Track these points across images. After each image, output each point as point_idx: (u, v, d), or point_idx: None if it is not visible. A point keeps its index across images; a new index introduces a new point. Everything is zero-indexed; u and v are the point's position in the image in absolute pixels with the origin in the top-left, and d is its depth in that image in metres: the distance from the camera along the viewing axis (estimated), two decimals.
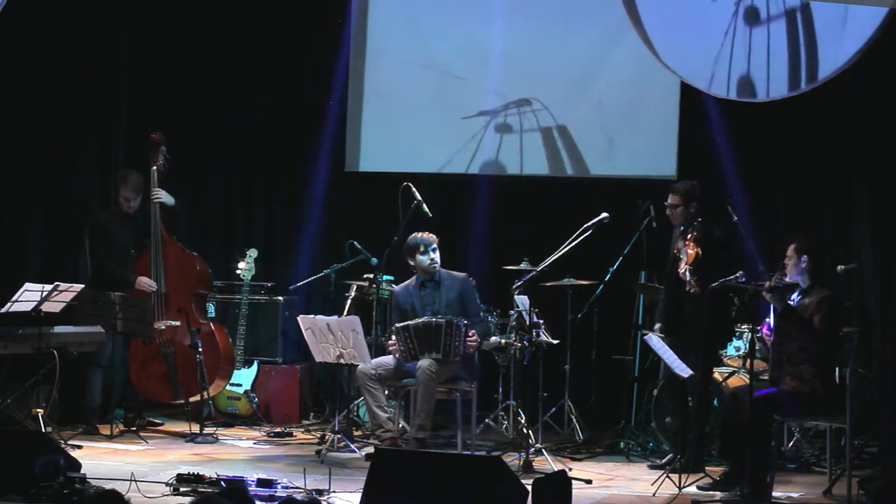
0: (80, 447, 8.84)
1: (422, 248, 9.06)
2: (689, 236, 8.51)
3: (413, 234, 9.16)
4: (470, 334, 8.81)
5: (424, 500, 6.32)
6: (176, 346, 9.81)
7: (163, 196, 9.92)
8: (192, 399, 9.78)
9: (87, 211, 10.51)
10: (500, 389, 9.86)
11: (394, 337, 8.91)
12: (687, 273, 8.46)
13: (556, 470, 7.97)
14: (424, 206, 9.40)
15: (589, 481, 8.17)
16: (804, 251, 7.88)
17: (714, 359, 8.92)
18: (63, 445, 8.15)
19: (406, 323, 8.89)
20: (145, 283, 9.79)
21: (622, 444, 9.51)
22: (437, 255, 9.06)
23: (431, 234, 9.11)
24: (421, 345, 8.79)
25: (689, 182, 8.77)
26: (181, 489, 7.29)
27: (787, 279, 7.89)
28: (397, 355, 8.86)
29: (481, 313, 9.27)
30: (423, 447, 8.52)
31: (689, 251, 8.46)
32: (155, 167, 9.95)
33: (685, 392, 8.64)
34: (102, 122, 10.78)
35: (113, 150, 10.86)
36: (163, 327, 9.77)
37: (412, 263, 9.12)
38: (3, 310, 8.96)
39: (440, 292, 9.05)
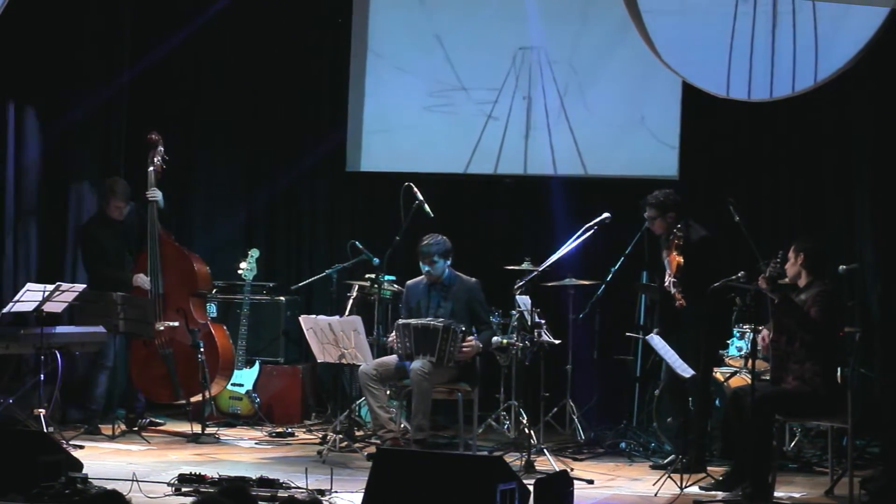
0: (81, 447, 8.84)
1: (420, 258, 9.07)
2: (671, 245, 8.55)
3: (424, 239, 9.08)
4: (467, 340, 8.81)
5: (426, 500, 6.32)
6: (175, 346, 9.81)
7: (158, 196, 9.90)
8: (193, 399, 9.78)
9: (82, 209, 10.51)
10: (502, 389, 9.87)
11: (394, 332, 8.93)
12: (671, 286, 8.49)
13: (557, 470, 7.96)
14: (426, 206, 9.39)
15: (591, 481, 8.17)
16: (801, 249, 7.93)
17: (713, 359, 8.94)
18: (65, 445, 8.16)
19: (407, 321, 8.90)
20: (140, 280, 9.79)
21: (624, 444, 9.50)
22: (434, 268, 8.99)
23: (436, 245, 8.98)
24: (417, 345, 8.78)
25: (662, 192, 8.81)
26: (183, 489, 7.29)
27: (787, 279, 7.93)
28: (399, 351, 8.88)
29: (490, 318, 9.29)
30: (424, 447, 8.53)
31: (672, 261, 8.51)
32: (152, 167, 9.94)
33: (686, 392, 8.64)
34: (102, 122, 10.77)
35: (113, 150, 10.85)
36: (161, 328, 9.77)
37: None
38: (5, 310, 8.98)
39: (448, 300, 9.03)
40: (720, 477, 8.03)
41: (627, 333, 9.89)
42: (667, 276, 8.55)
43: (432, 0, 11.14)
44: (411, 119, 11.13)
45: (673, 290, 8.49)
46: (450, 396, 8.96)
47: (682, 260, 8.48)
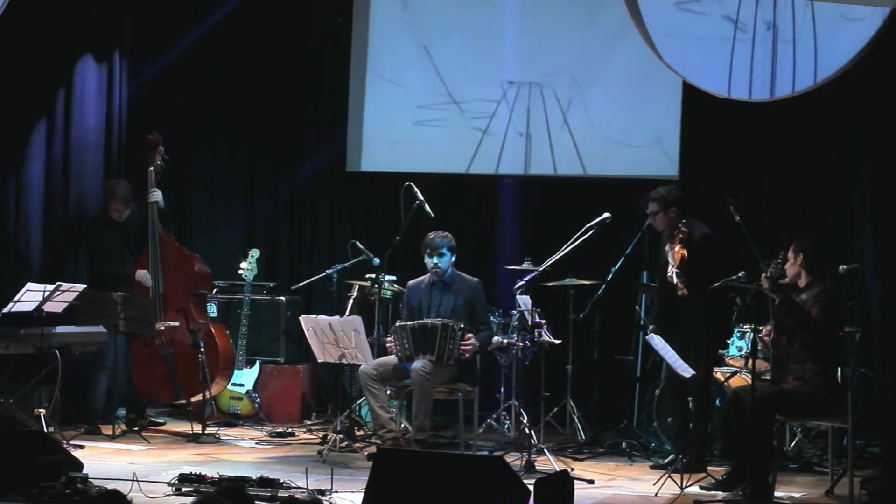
0: (82, 447, 8.85)
1: (428, 251, 9.06)
2: (674, 239, 8.55)
3: (431, 234, 9.13)
4: (466, 338, 8.81)
5: (426, 500, 6.31)
6: (175, 346, 9.81)
7: (158, 197, 9.90)
8: (193, 399, 9.78)
9: (85, 212, 10.50)
10: (503, 389, 9.87)
11: (392, 336, 8.92)
12: (674, 276, 8.49)
13: (558, 470, 7.97)
14: (426, 206, 9.39)
15: (591, 481, 8.17)
16: (800, 250, 7.94)
17: (714, 358, 8.94)
18: (65, 445, 8.16)
19: (404, 323, 8.90)
20: (142, 276, 9.80)
21: (624, 444, 9.50)
22: (442, 261, 9.01)
23: (444, 238, 9.04)
24: (416, 346, 8.79)
25: (665, 187, 8.83)
26: (183, 489, 7.29)
27: (787, 279, 7.94)
28: (398, 353, 8.87)
29: (490, 318, 9.29)
30: (425, 447, 8.53)
31: (675, 254, 8.50)
32: (152, 168, 9.94)
33: (687, 392, 8.64)
34: (102, 122, 10.76)
35: (113, 150, 10.84)
36: (161, 328, 9.77)
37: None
38: (6, 310, 8.97)
39: (449, 297, 9.04)
40: (721, 477, 8.03)
41: (637, 308, 9.91)
42: (669, 268, 8.52)
43: (429, 10, 11.13)
44: (411, 119, 11.12)
45: (675, 281, 8.47)
46: (450, 396, 8.96)
47: (686, 253, 8.47)
